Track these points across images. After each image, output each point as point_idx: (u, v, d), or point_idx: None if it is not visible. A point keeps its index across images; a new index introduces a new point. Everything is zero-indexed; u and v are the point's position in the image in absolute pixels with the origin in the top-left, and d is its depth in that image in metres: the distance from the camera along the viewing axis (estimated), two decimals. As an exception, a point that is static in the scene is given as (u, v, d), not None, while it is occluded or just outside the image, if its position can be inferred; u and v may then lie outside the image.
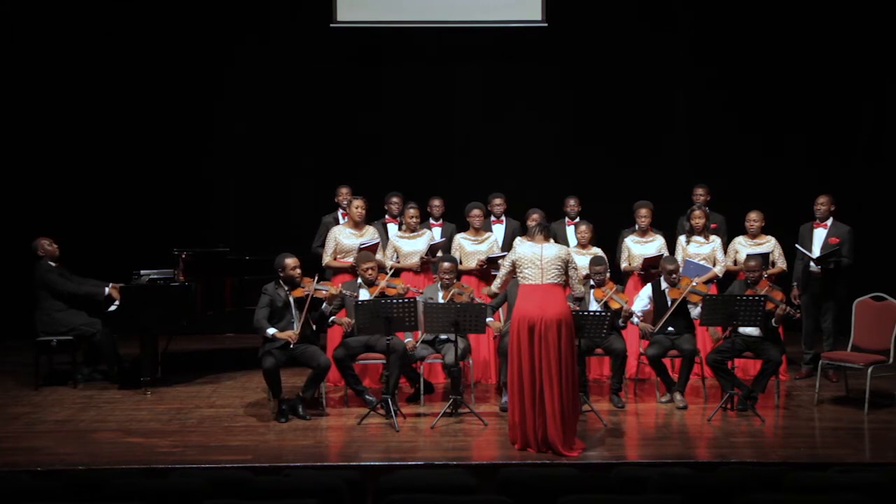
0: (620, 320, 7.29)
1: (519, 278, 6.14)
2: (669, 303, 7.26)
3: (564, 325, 6.00)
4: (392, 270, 7.59)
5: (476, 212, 8.08)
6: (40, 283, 7.82)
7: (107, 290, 7.83)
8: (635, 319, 7.32)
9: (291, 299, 6.92)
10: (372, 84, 10.46)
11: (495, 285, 6.49)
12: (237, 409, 7.15)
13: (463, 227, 8.25)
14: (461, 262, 7.94)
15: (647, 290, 7.46)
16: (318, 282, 6.99)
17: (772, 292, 7.05)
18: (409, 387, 7.48)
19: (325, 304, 7.01)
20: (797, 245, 7.94)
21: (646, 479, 4.35)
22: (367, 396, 6.94)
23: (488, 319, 7.05)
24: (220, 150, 10.47)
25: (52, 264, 7.92)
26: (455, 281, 7.31)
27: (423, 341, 7.16)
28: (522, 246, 6.21)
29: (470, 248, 8.03)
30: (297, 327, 6.87)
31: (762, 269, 7.22)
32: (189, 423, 6.75)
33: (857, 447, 6.22)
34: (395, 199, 8.29)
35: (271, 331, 6.79)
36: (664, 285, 7.35)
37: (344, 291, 7.04)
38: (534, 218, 7.88)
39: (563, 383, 5.95)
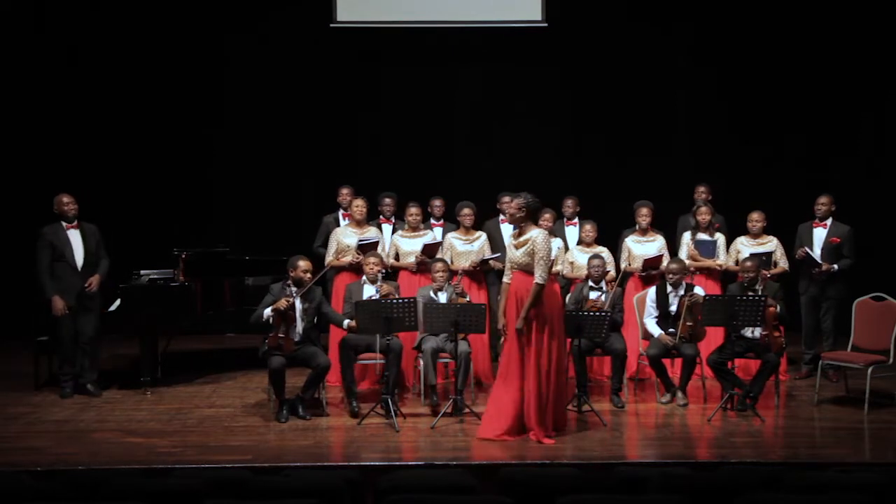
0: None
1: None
2: (675, 309, 7.26)
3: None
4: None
5: (466, 211, 8.04)
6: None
7: (53, 296, 7.30)
8: (655, 331, 7.29)
9: (297, 301, 6.90)
10: (372, 84, 10.45)
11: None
12: (237, 409, 7.15)
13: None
14: (452, 262, 7.93)
15: (651, 295, 7.44)
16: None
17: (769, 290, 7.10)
18: (405, 382, 7.45)
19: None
20: (808, 250, 7.86)
21: (646, 479, 4.36)
22: (353, 403, 6.89)
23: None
24: (221, 151, 10.47)
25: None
26: (450, 283, 7.30)
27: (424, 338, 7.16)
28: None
29: (461, 248, 8.00)
30: (300, 328, 6.87)
31: (759, 270, 7.22)
32: (189, 423, 6.75)
33: (857, 447, 6.22)
34: (387, 201, 8.27)
35: (268, 311, 6.78)
36: (669, 288, 7.35)
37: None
38: (546, 218, 7.86)
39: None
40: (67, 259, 7.41)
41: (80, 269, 7.44)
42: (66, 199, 7.47)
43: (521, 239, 6.32)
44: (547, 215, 7.93)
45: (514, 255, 6.33)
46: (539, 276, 6.20)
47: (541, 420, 6.23)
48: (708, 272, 8.00)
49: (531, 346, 6.22)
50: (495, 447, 6.13)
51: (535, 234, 6.30)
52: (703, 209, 8.08)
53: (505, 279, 6.49)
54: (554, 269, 7.02)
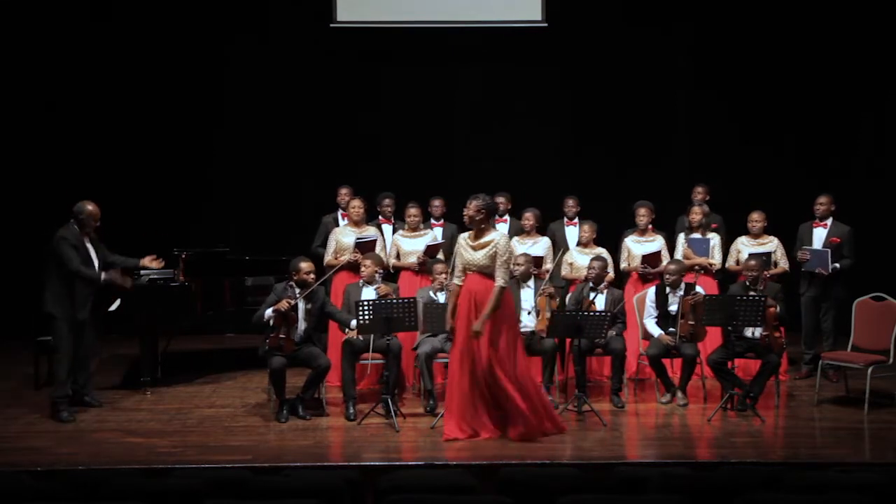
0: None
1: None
2: (675, 310, 7.26)
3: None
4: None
5: None
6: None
7: (104, 276, 6.90)
8: (655, 331, 7.30)
9: (300, 302, 6.90)
10: (372, 84, 10.45)
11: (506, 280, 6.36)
12: (237, 409, 7.15)
13: (464, 227, 8.23)
14: None
15: (651, 295, 7.44)
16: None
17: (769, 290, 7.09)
18: (405, 382, 7.46)
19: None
20: (828, 247, 7.82)
21: (646, 479, 4.36)
22: (351, 409, 6.84)
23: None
24: (220, 150, 10.47)
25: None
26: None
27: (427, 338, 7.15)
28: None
29: None
30: (301, 329, 6.88)
31: (762, 269, 7.22)
32: (189, 423, 6.75)
33: (857, 447, 6.22)
34: (387, 201, 8.27)
35: (269, 311, 6.78)
36: (668, 288, 7.34)
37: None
38: (527, 217, 7.91)
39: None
40: (89, 267, 6.86)
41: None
42: (94, 209, 6.92)
43: (482, 241, 6.27)
44: (528, 214, 7.96)
45: (473, 256, 6.26)
46: (501, 279, 6.20)
47: (535, 419, 6.22)
48: (703, 271, 7.98)
49: (491, 349, 6.16)
50: (495, 447, 6.13)
51: (497, 236, 6.30)
52: (695, 209, 8.09)
53: (455, 281, 6.41)
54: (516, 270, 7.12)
